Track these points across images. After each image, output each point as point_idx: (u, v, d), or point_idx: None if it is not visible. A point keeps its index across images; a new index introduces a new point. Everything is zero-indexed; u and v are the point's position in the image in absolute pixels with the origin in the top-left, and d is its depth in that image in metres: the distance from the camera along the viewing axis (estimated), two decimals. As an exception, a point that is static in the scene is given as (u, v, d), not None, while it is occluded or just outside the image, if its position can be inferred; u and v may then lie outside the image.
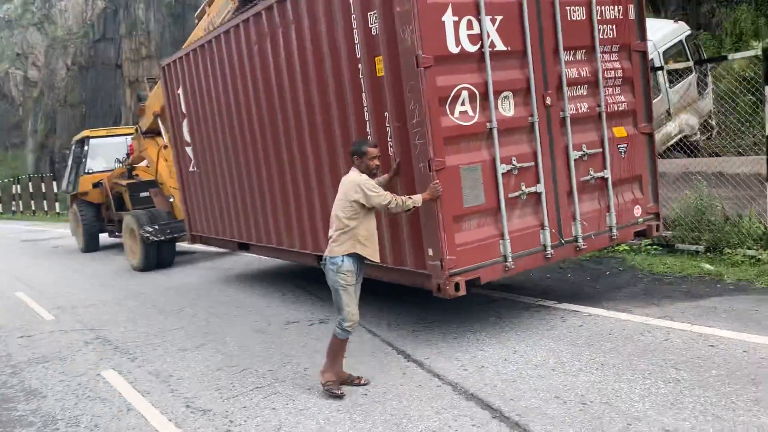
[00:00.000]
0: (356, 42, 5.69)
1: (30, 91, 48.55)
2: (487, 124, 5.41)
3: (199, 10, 10.66)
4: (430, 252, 5.36)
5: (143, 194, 14.02)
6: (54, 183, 35.58)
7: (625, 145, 6.25)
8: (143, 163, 14.68)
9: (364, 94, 5.76)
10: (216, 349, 6.66)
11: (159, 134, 13.18)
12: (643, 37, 6.38)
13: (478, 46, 5.33)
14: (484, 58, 5.35)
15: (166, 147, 12.34)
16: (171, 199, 12.28)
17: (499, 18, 5.39)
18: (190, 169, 9.94)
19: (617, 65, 6.21)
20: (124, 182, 14.49)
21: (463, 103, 5.27)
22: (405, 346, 5.87)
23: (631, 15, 6.27)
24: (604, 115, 6.07)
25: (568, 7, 5.79)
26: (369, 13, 5.49)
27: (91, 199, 15.63)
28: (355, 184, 4.89)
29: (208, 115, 8.94)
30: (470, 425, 4.23)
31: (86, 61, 39.61)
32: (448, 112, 5.22)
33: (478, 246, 5.44)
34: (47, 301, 10.06)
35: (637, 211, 6.42)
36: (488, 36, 5.35)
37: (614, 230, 6.20)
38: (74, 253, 16.21)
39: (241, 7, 9.37)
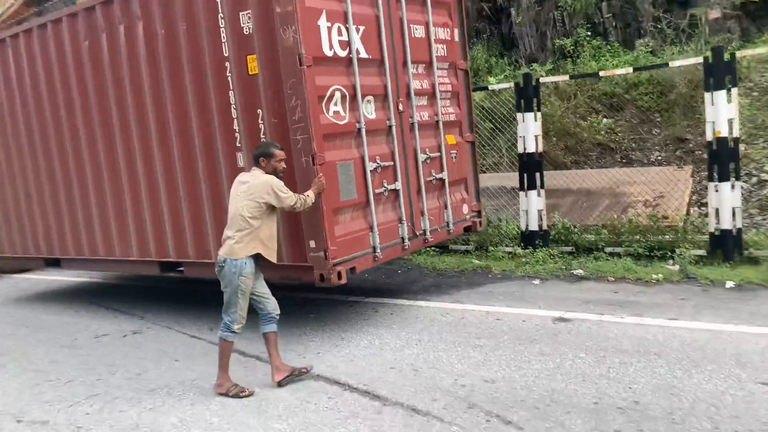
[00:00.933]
0: (223, 41, 5.67)
1: None
2: (356, 124, 5.74)
3: None
4: (312, 244, 5.46)
5: None
6: None
7: (455, 151, 6.95)
8: None
9: (231, 92, 5.73)
10: (22, 367, 6.06)
11: None
12: (465, 57, 7.18)
13: (346, 51, 5.65)
14: (352, 63, 5.69)
15: None
16: None
17: (362, 28, 5.78)
18: None
19: (447, 80, 6.91)
20: None
21: (336, 103, 5.54)
22: (236, 346, 6.11)
23: (457, 37, 7.04)
24: (441, 124, 6.73)
25: (412, 25, 6.36)
26: (242, 13, 5.51)
27: None
28: (267, 185, 4.81)
29: (17, 113, 7.92)
30: (326, 398, 4.61)
31: None
32: (325, 110, 5.44)
33: (353, 238, 5.70)
34: None
35: (465, 209, 7.16)
36: (354, 43, 5.69)
37: (450, 225, 6.84)
38: None
39: (32, 4, 8.86)
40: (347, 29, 5.67)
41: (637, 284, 6.85)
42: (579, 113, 11.60)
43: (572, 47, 12.47)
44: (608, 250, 7.73)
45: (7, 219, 8.53)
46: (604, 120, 11.64)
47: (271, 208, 4.89)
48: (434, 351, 5.41)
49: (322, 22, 5.43)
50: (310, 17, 5.33)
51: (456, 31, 7.05)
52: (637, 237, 7.74)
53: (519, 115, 8.32)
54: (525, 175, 8.27)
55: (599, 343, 5.24)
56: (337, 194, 5.53)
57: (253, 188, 4.82)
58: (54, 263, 8.32)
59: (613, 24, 12.70)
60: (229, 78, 5.75)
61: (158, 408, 4.77)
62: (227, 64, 5.73)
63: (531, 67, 12.11)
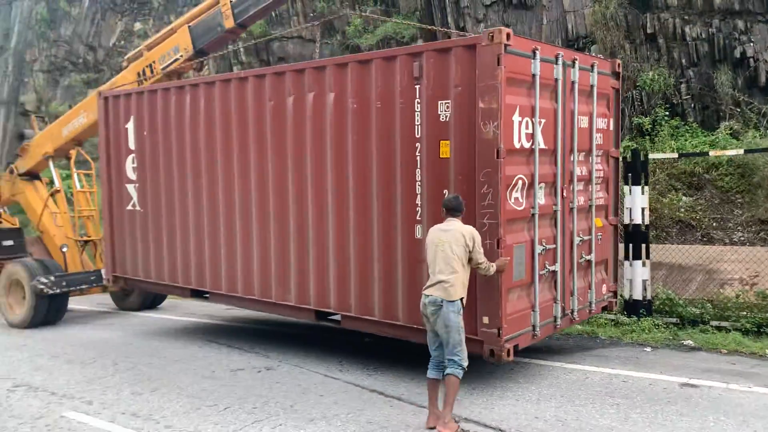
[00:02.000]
0: (417, 123, 5.99)
1: None
2: (531, 209, 5.95)
3: (134, 52, 10.21)
4: (486, 320, 5.65)
5: (6, 242, 12.02)
6: None
7: (601, 234, 7.10)
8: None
9: (418, 170, 6.02)
10: (176, 392, 6.33)
11: (37, 178, 11.92)
12: (617, 145, 7.43)
13: (530, 143, 5.89)
14: (533, 154, 5.93)
15: (57, 192, 11.11)
16: (64, 249, 10.78)
17: (543, 121, 6.02)
18: (128, 207, 9.11)
19: (600, 167, 7.11)
20: None
21: (517, 191, 5.77)
22: (374, 386, 6.32)
23: (611, 126, 7.28)
24: (594, 208, 6.95)
25: (579, 116, 6.58)
26: (440, 102, 5.81)
27: None
28: (471, 233, 5.13)
29: (174, 155, 8.37)
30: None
31: None
32: (508, 197, 5.67)
33: (519, 316, 5.87)
34: None
35: (604, 288, 7.30)
36: (537, 135, 5.96)
37: (593, 305, 7.00)
38: None
39: (194, 58, 9.31)
40: (533, 123, 5.91)
41: (752, 357, 6.95)
42: (658, 189, 11.98)
43: (650, 125, 12.72)
44: (714, 323, 7.96)
45: (158, 248, 8.77)
46: (684, 198, 11.99)
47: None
48: (572, 405, 5.59)
49: (516, 117, 5.69)
50: (508, 113, 5.57)
51: (611, 120, 7.27)
52: (744, 312, 7.98)
53: (626, 188, 8.53)
54: (630, 245, 8.48)
55: (735, 408, 5.38)
56: (511, 275, 5.70)
57: (461, 236, 5.09)
58: (198, 294, 8.55)
59: (692, 105, 13.18)
60: (418, 157, 6.02)
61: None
62: (418, 144, 6.01)
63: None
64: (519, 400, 5.80)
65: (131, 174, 9.08)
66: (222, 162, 7.85)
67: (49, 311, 10.12)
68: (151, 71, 9.63)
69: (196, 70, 9.76)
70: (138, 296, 11.39)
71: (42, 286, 9.79)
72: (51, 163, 11.33)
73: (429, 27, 9.95)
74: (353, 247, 6.67)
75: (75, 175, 11.51)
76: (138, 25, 23.70)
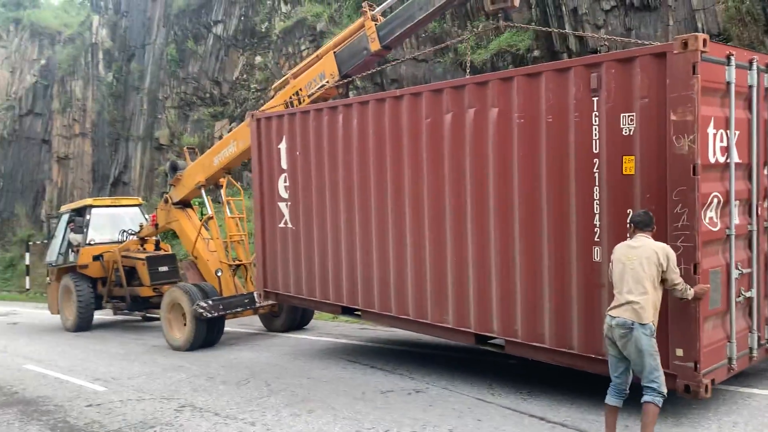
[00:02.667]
0: (594, 138, 5.63)
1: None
2: (726, 230, 5.45)
3: (280, 81, 10.47)
4: (680, 352, 5.15)
5: (162, 268, 12.92)
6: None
7: None
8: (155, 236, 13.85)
9: (596, 188, 5.64)
10: (333, 414, 6.30)
11: (189, 206, 12.45)
12: None
13: (725, 157, 5.43)
14: (728, 169, 5.45)
15: (211, 218, 11.49)
16: (219, 273, 11.05)
17: (737, 133, 5.54)
18: (280, 224, 9.23)
19: None
20: (142, 255, 13.16)
21: (711, 210, 5.30)
22: (533, 411, 5.93)
23: None
24: None
25: None
26: (623, 115, 5.43)
27: (90, 273, 13.77)
28: (665, 251, 4.72)
29: (326, 173, 8.44)
30: None
31: (9, 135, 37.91)
32: (703, 217, 5.19)
33: (714, 348, 5.35)
34: (81, 375, 8.98)
35: None
36: (732, 148, 5.48)
37: None
38: (58, 331, 14.02)
39: (339, 83, 9.41)
40: (727, 135, 5.44)
41: None
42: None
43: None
44: None
45: (310, 264, 8.78)
46: None
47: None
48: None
49: (710, 130, 5.26)
50: (703, 126, 5.12)
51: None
52: None
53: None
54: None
55: None
56: (707, 302, 5.21)
57: (653, 253, 4.69)
58: (348, 312, 8.51)
59: None
60: (596, 174, 5.64)
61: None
62: (596, 160, 5.63)
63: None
64: (697, 428, 5.38)
65: (283, 192, 9.22)
66: (375, 180, 7.79)
67: (208, 334, 10.41)
68: (298, 99, 9.79)
69: (340, 95, 9.93)
70: (285, 318, 11.60)
71: (202, 310, 10.05)
72: (203, 192, 11.74)
73: (549, 29, 9.54)
74: (520, 270, 6.35)
75: (226, 202, 11.87)
76: (258, 59, 24.82)
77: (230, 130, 24.71)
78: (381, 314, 7.89)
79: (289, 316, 11.57)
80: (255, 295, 10.41)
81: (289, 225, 9.15)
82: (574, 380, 7.08)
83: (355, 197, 8.08)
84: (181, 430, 6.21)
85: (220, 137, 24.92)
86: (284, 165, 9.18)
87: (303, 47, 22.72)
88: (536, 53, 15.56)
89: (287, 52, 23.32)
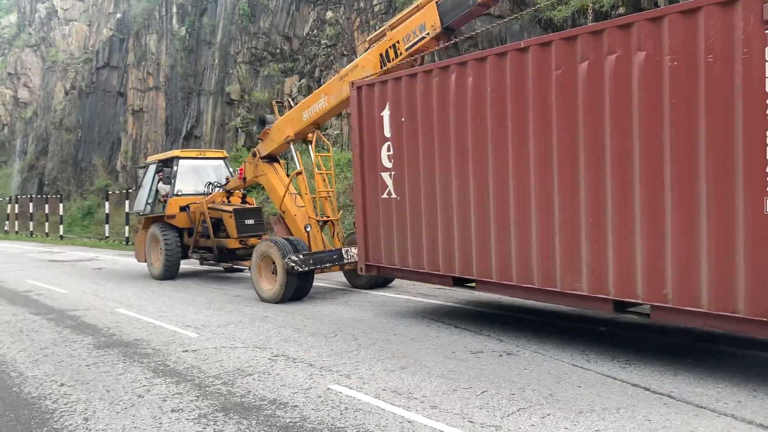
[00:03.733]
0: (767, 76, 5.15)
1: (19, 112, 47.38)
2: None
3: (376, 33, 9.95)
4: None
5: (248, 221, 13.06)
6: (60, 205, 34.51)
7: None
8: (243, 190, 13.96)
9: None
10: (427, 372, 6.24)
11: (276, 160, 12.41)
12: None
13: None
14: None
15: (299, 173, 11.42)
16: (308, 228, 11.01)
17: None
18: (383, 195, 8.97)
19: None
20: (230, 207, 13.24)
21: None
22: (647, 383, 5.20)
23: None
24: None
25: None
26: None
27: (177, 223, 14.05)
28: None
29: (436, 139, 8.08)
30: None
31: (87, 87, 39.07)
32: None
33: None
34: (172, 321, 9.24)
35: None
36: None
37: None
38: (142, 277, 14.53)
39: (441, 36, 8.84)
40: None
41: None
42: None
43: None
44: None
45: (416, 235, 8.48)
46: None
47: None
48: None
49: None
50: None
51: None
52: None
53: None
54: None
55: None
56: None
57: None
58: (460, 283, 8.20)
59: None
60: None
61: (603, 430, 4.86)
62: None
63: None
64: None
65: (386, 162, 8.92)
66: (493, 142, 7.38)
67: (298, 287, 10.46)
68: (395, 52, 9.42)
69: (442, 50, 9.49)
70: (369, 275, 11.28)
71: (293, 264, 10.10)
72: (292, 146, 11.68)
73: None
74: (671, 225, 5.84)
75: (314, 158, 11.79)
76: (329, 14, 24.57)
77: (300, 86, 24.71)
78: (500, 284, 7.50)
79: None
80: (343, 251, 10.53)
81: (393, 195, 8.86)
82: (669, 351, 6.87)
83: (469, 162, 7.71)
84: (279, 379, 6.28)
85: (290, 93, 24.98)
86: (387, 133, 8.86)
87: (375, 2, 22.32)
88: (621, 10, 14.81)
89: (359, 7, 22.98)
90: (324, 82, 22.50)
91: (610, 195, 6.31)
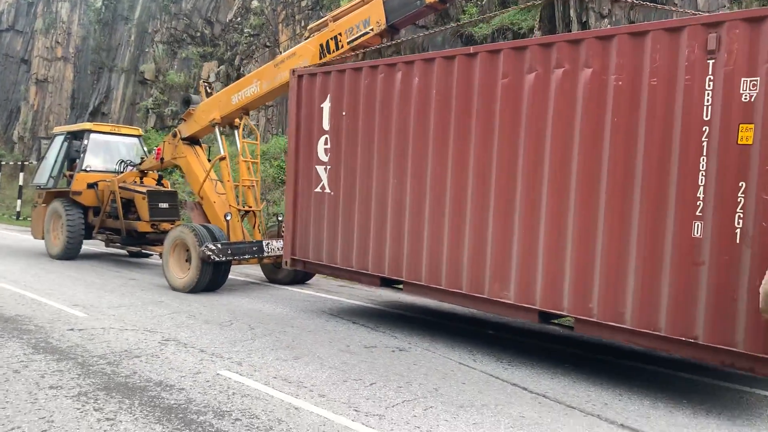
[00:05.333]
0: (706, 104, 5.33)
1: None
2: None
3: (317, 22, 9.70)
4: None
5: (162, 205, 12.47)
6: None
7: None
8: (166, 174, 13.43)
9: (703, 158, 5.35)
10: (319, 363, 6.36)
11: (198, 143, 11.94)
12: None
13: None
14: None
15: (223, 159, 10.99)
16: (228, 217, 10.60)
17: None
18: (316, 189, 8.75)
19: None
20: (143, 189, 12.60)
21: None
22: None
23: None
24: None
25: None
26: (745, 80, 5.15)
27: (83, 201, 13.29)
28: None
29: (376, 136, 7.99)
30: None
31: (-14, 49, 36.54)
32: None
33: None
34: (59, 300, 8.88)
35: None
36: None
37: None
38: (31, 255, 13.75)
39: (384, 34, 8.74)
40: None
41: None
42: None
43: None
44: None
45: (348, 232, 8.34)
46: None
47: None
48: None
49: None
50: None
51: None
52: None
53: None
54: None
55: None
56: None
57: None
58: (388, 284, 8.09)
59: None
60: (704, 143, 5.37)
61: (480, 424, 5.11)
62: (705, 128, 5.35)
63: None
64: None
65: (323, 155, 8.71)
66: (435, 145, 7.34)
67: (213, 277, 10.03)
68: (336, 44, 9.22)
69: (386, 46, 9.30)
70: (289, 271, 11.09)
71: (210, 253, 9.68)
72: (217, 130, 11.29)
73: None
74: (601, 243, 5.94)
75: (240, 145, 11.38)
76: (255, 3, 24.25)
77: (219, 73, 24.22)
78: (428, 287, 7.45)
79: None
80: (264, 244, 10.33)
81: (327, 190, 8.69)
82: (550, 355, 7.29)
83: (408, 163, 7.64)
84: (167, 362, 6.19)
85: (207, 78, 24.41)
86: (326, 126, 8.69)
87: (304, -4, 22.25)
88: (538, 34, 15.56)
89: (285, 0, 22.82)
90: (244, 72, 22.16)
91: (544, 206, 6.37)
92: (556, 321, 6.76)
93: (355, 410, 5.16)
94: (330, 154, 8.61)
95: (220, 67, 24.49)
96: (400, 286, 7.96)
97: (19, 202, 24.95)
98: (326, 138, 8.65)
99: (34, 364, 5.87)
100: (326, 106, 8.63)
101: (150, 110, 25.99)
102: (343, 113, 8.39)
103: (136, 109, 26.94)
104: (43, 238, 13.93)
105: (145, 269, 12.64)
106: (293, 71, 9.14)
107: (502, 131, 6.76)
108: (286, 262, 9.23)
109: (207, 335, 7.36)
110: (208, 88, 11.82)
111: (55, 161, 14.09)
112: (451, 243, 7.19)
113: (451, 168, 7.20)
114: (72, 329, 7.28)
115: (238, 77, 12.44)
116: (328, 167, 8.64)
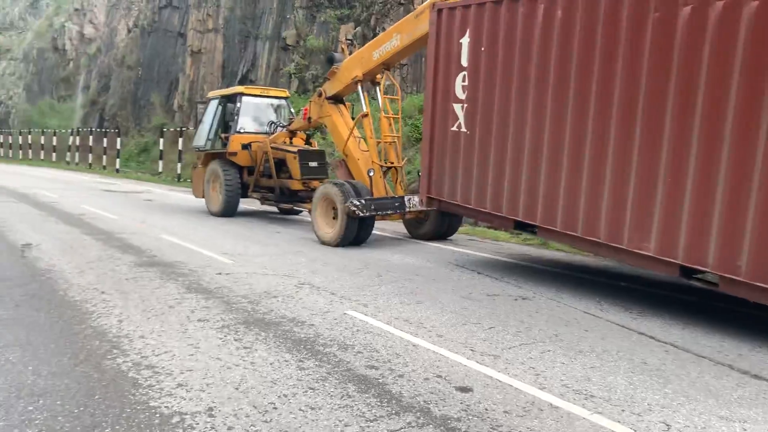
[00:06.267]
0: None
1: (84, 47, 48.91)
2: None
3: None
4: None
5: (312, 163, 12.89)
6: (118, 140, 35.87)
7: None
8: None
9: None
10: (441, 307, 6.56)
11: (341, 101, 12.20)
12: None
13: None
14: None
15: (365, 116, 11.10)
16: (371, 173, 10.77)
17: None
18: (452, 128, 8.59)
19: None
20: (294, 148, 13.03)
21: None
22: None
23: None
24: None
25: None
26: None
27: (238, 161, 13.87)
28: None
29: (516, 72, 7.74)
30: None
31: (149, 26, 39.95)
32: None
33: None
34: (210, 249, 9.69)
35: None
36: None
37: None
38: (188, 211, 14.96)
39: None
40: None
41: None
42: None
43: None
44: None
45: (482, 172, 8.19)
46: None
47: None
48: None
49: None
50: None
51: None
52: None
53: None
54: None
55: None
56: None
57: None
58: (522, 227, 8.04)
59: None
60: None
61: (598, 368, 5.08)
62: None
63: None
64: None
65: (460, 93, 8.47)
66: (576, 81, 7.02)
67: (358, 232, 10.31)
68: None
69: None
70: (431, 226, 11.26)
71: (354, 208, 9.89)
72: (359, 87, 11.41)
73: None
74: (756, 198, 5.38)
75: (381, 101, 11.35)
76: (390, -37, 24.32)
77: (355, 34, 24.75)
78: (563, 233, 7.27)
79: (435, 224, 11.24)
80: (405, 199, 10.37)
81: (463, 129, 8.50)
82: (684, 305, 6.98)
83: (548, 103, 7.38)
84: (300, 302, 6.70)
85: (345, 40, 25.05)
86: (464, 62, 8.43)
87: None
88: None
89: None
90: (380, 32, 22.48)
91: (695, 153, 5.90)
92: (698, 275, 6.28)
93: (471, 350, 5.32)
94: (467, 91, 8.41)
95: (357, 29, 25.03)
96: (534, 230, 7.88)
97: (179, 165, 27.36)
98: (464, 75, 8.44)
99: (186, 302, 6.61)
100: (465, 41, 8.39)
101: (292, 75, 27.22)
102: (482, 49, 8.12)
103: (280, 75, 28.32)
104: (203, 197, 14.76)
105: (290, 224, 13.49)
106: (433, 5, 8.98)
107: (651, 70, 6.28)
108: (422, 200, 9.30)
109: (338, 281, 7.82)
110: (350, 45, 11.99)
111: (211, 124, 14.67)
112: (590, 188, 6.95)
113: (592, 110, 6.90)
114: (220, 273, 8.04)
115: (374, 37, 12.51)
116: (465, 105, 8.45)
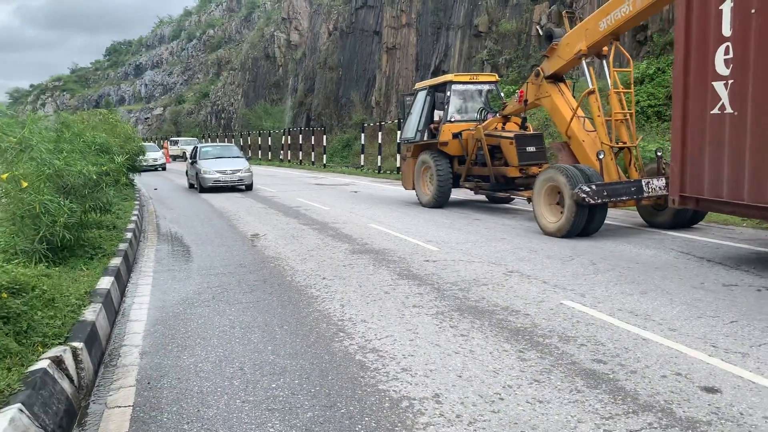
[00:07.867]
0: None
1: (291, 53, 52.98)
2: None
3: None
4: None
5: (530, 148, 12.08)
6: (323, 137, 38.42)
7: None
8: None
9: None
10: (669, 298, 6.09)
11: (561, 80, 11.42)
12: None
13: None
14: None
15: (592, 93, 10.23)
16: (601, 156, 9.74)
17: None
18: (713, 111, 7.33)
19: None
20: (510, 134, 12.29)
21: None
22: None
23: None
24: None
25: None
26: None
27: (449, 151, 13.49)
28: None
29: None
30: None
31: (347, 27, 42.06)
32: None
33: None
34: (415, 236, 9.89)
35: None
36: None
37: None
38: (391, 201, 15.37)
39: None
40: None
41: None
42: None
43: None
44: None
45: (762, 162, 6.84)
46: None
47: None
48: None
49: None
50: None
51: None
52: None
53: None
54: None
55: None
56: None
57: None
58: None
59: None
60: None
61: None
62: None
63: None
64: None
65: (722, 68, 7.21)
66: None
67: (587, 221, 9.36)
68: None
69: None
70: (672, 212, 9.86)
71: (584, 195, 8.99)
72: (584, 62, 10.48)
73: None
74: None
75: (610, 74, 10.40)
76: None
77: (550, 13, 23.75)
78: None
79: (676, 210, 9.64)
80: (643, 183, 9.42)
81: (728, 110, 7.18)
82: None
83: None
84: (512, 291, 6.51)
85: (539, 22, 24.17)
86: (726, 31, 7.15)
87: None
88: None
89: None
90: (576, 9, 21.32)
91: None
92: None
93: (713, 346, 4.77)
94: (732, 65, 7.10)
95: (551, 8, 24.03)
96: None
97: (379, 158, 28.47)
98: (727, 46, 7.15)
99: (399, 287, 6.75)
100: (726, 6, 7.14)
101: (485, 62, 26.94)
102: (752, 11, 6.86)
103: (473, 63, 28.19)
104: (413, 189, 14.64)
105: (489, 211, 13.34)
106: None
107: None
108: (674, 200, 8.04)
109: (548, 269, 7.51)
110: (571, 17, 11.06)
111: (420, 116, 14.34)
112: None
113: None
114: (427, 260, 8.13)
115: (570, 16, 11.66)
116: (731, 81, 7.14)
